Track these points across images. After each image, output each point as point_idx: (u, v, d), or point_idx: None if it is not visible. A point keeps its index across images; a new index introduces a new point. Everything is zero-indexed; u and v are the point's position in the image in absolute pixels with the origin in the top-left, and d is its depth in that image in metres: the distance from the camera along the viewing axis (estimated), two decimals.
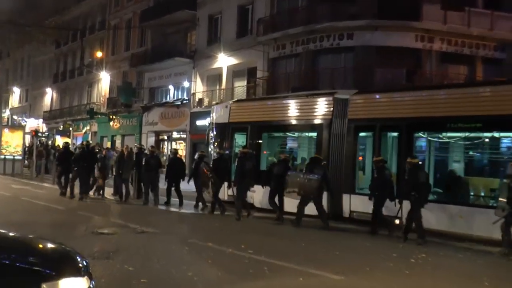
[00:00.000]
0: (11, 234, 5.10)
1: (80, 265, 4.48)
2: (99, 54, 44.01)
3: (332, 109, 16.23)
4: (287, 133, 19.06)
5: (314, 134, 17.33)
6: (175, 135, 37.45)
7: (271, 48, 29.25)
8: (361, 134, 16.14)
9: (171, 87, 38.05)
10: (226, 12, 32.82)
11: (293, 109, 17.84)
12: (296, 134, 18.94)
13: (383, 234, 13.47)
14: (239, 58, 31.42)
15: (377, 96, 16.43)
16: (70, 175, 19.44)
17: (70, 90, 53.31)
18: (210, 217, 16.16)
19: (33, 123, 57.23)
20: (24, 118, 58.77)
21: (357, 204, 15.36)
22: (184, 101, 35.07)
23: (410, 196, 12.58)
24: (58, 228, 12.17)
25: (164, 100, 38.34)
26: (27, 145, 36.98)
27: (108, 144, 37.90)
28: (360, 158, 16.35)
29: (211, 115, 20.85)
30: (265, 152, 18.91)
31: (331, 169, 15.57)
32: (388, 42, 25.12)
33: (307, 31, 26.91)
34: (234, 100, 23.57)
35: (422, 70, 25.31)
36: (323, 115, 16.54)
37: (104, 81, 45.73)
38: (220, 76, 33.29)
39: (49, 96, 57.30)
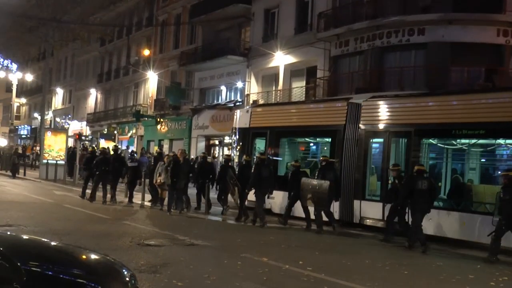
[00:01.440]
0: (53, 243, 5.15)
1: (127, 278, 4.46)
2: (146, 52, 44.65)
3: (345, 114, 17.66)
4: (304, 139, 20.82)
5: (329, 140, 18.80)
6: (227, 139, 37.18)
7: (333, 45, 29.13)
8: (373, 139, 17.36)
9: (223, 88, 38.28)
10: (284, 6, 32.84)
11: (309, 114, 19.62)
12: (313, 139, 20.75)
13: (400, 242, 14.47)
14: (297, 56, 31.38)
15: (388, 102, 17.35)
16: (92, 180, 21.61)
17: (115, 91, 54.36)
18: (254, 229, 16.57)
19: (76, 125, 58.73)
20: (67, 121, 60.36)
21: (367, 210, 16.65)
22: (237, 103, 34.92)
23: (406, 203, 14.16)
24: (102, 238, 12.44)
25: (215, 102, 38.59)
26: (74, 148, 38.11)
27: (155, 149, 38.23)
28: (368, 164, 17.29)
29: (235, 119, 22.48)
30: (271, 154, 20.19)
31: (343, 174, 17.14)
32: (465, 38, 24.66)
33: (373, 26, 26.73)
34: (254, 104, 25.28)
35: (504, 68, 24.71)
36: (337, 120, 17.93)
37: (151, 81, 46.33)
38: (276, 76, 33.36)
39: (93, 97, 58.62)
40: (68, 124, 59.23)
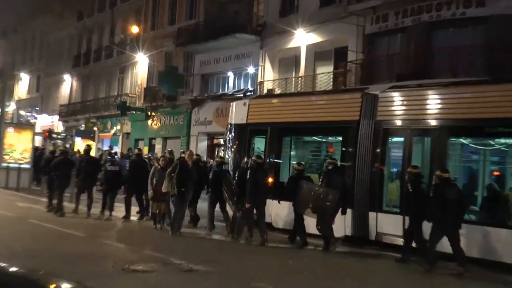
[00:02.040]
0: (12, 269, 4.94)
1: None
2: (134, 29, 44.68)
3: (359, 108, 18.09)
4: (312, 137, 21.47)
5: (340, 139, 19.44)
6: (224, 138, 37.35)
7: (368, 21, 29.09)
8: (392, 138, 17.80)
9: (230, 74, 38.43)
10: None
11: (317, 108, 20.19)
12: (322, 138, 21.45)
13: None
14: (323, 35, 31.25)
15: (411, 93, 17.77)
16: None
17: (95, 78, 54.43)
18: (266, 250, 16.66)
19: (46, 120, 59.15)
20: (34, 114, 60.43)
21: (385, 224, 17.00)
22: (249, 93, 34.53)
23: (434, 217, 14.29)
24: (77, 262, 12.36)
25: (221, 91, 38.59)
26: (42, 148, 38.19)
27: (145, 150, 38.42)
28: (384, 167, 17.76)
29: (230, 113, 23.23)
30: (273, 156, 20.73)
31: (356, 180, 17.62)
32: None
33: None
34: (253, 96, 25.94)
35: None
36: (350, 115, 18.37)
37: (141, 65, 46.32)
38: (297, 59, 33.27)
39: (68, 85, 58.64)
40: (35, 118, 59.49)
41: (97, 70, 53.94)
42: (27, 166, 32.45)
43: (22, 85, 68.07)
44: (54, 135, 49.42)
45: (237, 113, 22.48)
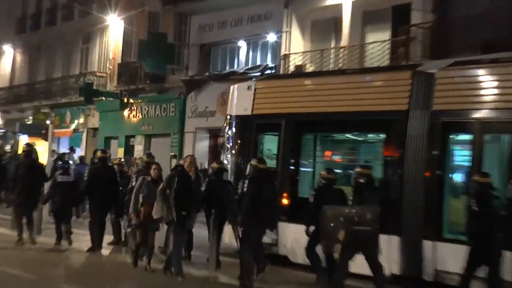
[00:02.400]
0: None
1: None
2: None
3: (409, 93, 17.67)
4: (345, 135, 20.99)
5: (381, 136, 19.27)
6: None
7: None
8: (455, 136, 17.68)
9: (242, 44, 38.15)
10: None
11: (350, 94, 19.55)
12: (357, 137, 20.77)
13: None
14: None
15: (481, 71, 17.20)
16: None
17: (49, 49, 54.15)
18: None
19: None
20: None
21: (447, 257, 16.39)
22: (268, 70, 34.51)
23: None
24: None
25: (228, 69, 38.16)
26: None
27: (120, 152, 39.62)
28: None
29: (229, 101, 23.00)
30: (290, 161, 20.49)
31: (404, 195, 17.22)
32: None
33: None
34: (260, 77, 26.69)
35: None
36: (394, 103, 17.99)
37: (114, 31, 46.00)
38: (337, 23, 33.12)
39: (8, 60, 58.75)
40: None
41: (51, 39, 53.58)
42: None
43: None
44: None
45: (239, 100, 21.90)
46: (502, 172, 16.23)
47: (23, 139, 47.15)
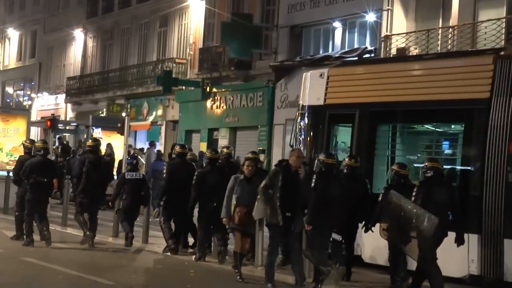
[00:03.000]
0: None
1: None
2: None
3: (491, 80, 17.67)
4: (423, 126, 21.35)
5: (460, 127, 19.56)
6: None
7: None
8: None
9: (337, 25, 37.67)
10: None
11: (427, 82, 19.82)
12: (436, 128, 21.01)
13: None
14: None
15: None
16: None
17: (122, 34, 54.44)
18: None
19: (46, 101, 60.47)
20: (29, 93, 61.12)
21: None
22: (367, 54, 34.47)
23: None
24: None
25: (322, 53, 37.62)
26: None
27: (202, 147, 39.47)
28: None
29: (302, 90, 22.94)
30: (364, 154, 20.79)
31: (486, 192, 17.28)
32: None
33: None
34: (334, 64, 26.93)
35: None
36: (475, 91, 18.17)
37: (194, 13, 45.93)
38: (446, 0, 32.86)
39: (79, 46, 58.50)
40: (30, 99, 60.74)
41: (125, 22, 53.91)
42: None
43: (10, 47, 68.17)
44: (60, 125, 48.64)
45: (311, 89, 22.19)
46: None
47: (97, 134, 46.10)
